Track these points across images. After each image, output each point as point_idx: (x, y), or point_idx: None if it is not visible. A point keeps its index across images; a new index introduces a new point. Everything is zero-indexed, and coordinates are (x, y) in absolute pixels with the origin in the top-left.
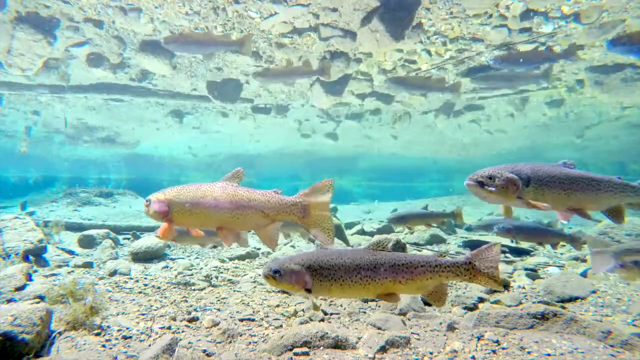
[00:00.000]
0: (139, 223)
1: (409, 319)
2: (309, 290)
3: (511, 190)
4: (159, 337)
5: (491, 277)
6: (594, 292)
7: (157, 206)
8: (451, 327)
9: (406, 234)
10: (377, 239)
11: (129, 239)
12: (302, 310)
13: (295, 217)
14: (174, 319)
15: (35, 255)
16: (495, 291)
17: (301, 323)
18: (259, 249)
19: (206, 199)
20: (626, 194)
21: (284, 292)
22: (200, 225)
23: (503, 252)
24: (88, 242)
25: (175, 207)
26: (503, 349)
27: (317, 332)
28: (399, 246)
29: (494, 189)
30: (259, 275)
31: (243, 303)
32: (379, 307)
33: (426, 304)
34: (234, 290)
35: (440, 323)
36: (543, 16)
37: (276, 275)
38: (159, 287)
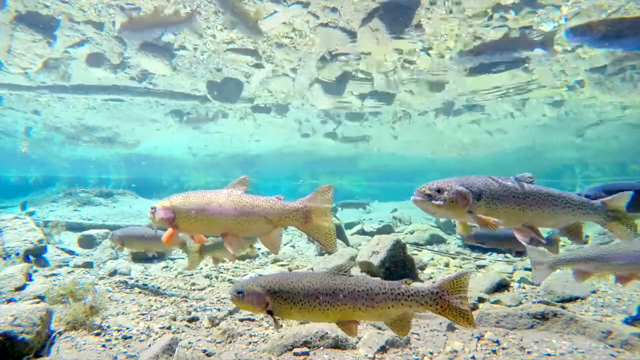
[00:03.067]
0: (139, 223)
1: None
2: (270, 312)
3: (461, 204)
4: (159, 337)
5: (460, 312)
6: (594, 292)
7: (163, 213)
8: (451, 327)
9: (406, 234)
10: (339, 264)
11: None
12: None
13: (297, 222)
14: (174, 319)
15: (35, 255)
16: (495, 291)
17: (301, 323)
18: (259, 249)
19: (211, 206)
20: (585, 211)
21: None
22: (205, 231)
23: (503, 252)
24: (88, 242)
25: (181, 214)
26: (503, 348)
27: (317, 332)
28: (399, 246)
29: (442, 202)
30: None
31: None
32: None
33: None
34: None
35: (440, 323)
36: (552, 6)
37: (239, 295)
38: (159, 287)
